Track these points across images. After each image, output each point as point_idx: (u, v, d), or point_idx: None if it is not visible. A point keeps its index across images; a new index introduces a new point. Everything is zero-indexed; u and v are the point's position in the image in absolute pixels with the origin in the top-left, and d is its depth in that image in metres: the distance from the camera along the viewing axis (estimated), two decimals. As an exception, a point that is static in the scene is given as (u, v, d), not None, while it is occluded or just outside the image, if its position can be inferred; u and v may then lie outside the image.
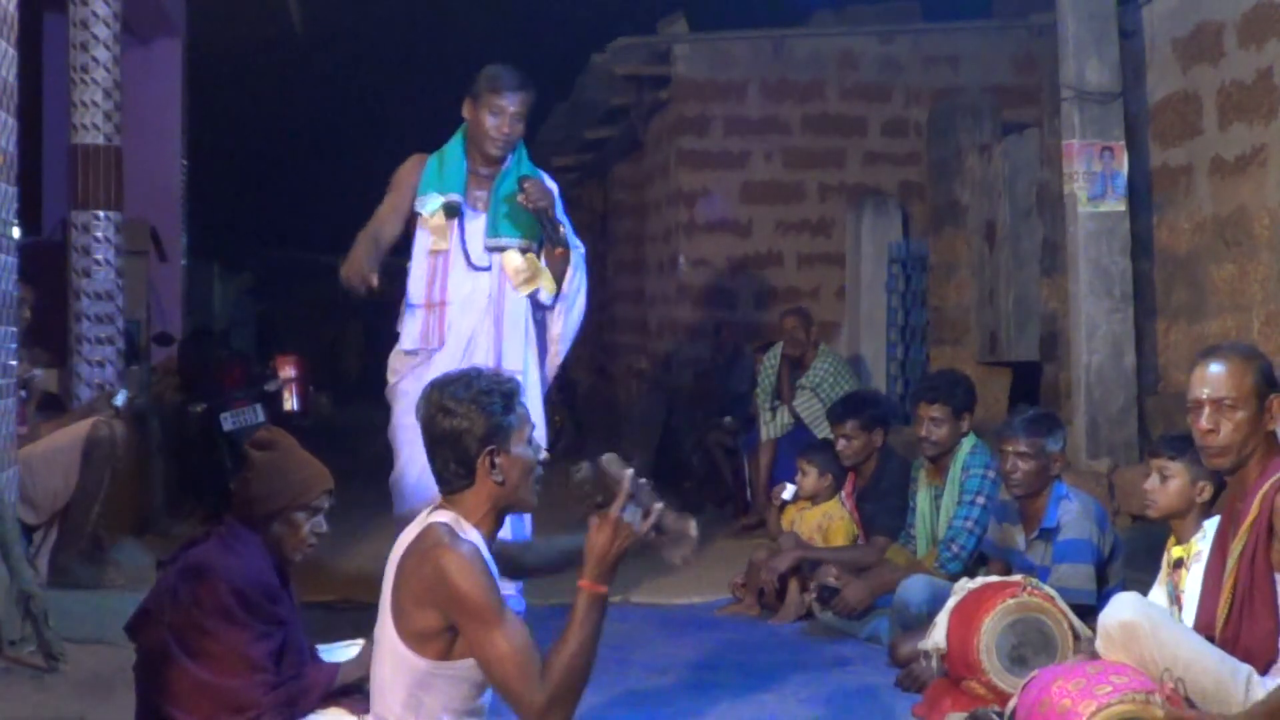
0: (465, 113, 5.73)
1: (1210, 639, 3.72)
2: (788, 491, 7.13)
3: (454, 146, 5.77)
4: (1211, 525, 4.31)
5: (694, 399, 11.15)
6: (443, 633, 3.13)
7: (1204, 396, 3.77)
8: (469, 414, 3.21)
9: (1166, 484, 4.55)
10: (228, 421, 9.09)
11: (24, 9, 5.42)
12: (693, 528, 3.27)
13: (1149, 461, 4.65)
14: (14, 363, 5.53)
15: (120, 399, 6.67)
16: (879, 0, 12.46)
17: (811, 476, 6.94)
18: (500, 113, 5.63)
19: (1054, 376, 8.04)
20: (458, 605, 3.08)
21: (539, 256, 5.76)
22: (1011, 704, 3.96)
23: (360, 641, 3.75)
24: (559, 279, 5.73)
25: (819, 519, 6.87)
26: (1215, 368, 3.79)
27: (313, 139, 18.33)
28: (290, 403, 9.80)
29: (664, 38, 12.07)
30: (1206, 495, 4.48)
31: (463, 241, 5.71)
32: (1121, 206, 7.28)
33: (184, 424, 9.49)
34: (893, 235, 10.92)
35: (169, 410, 9.55)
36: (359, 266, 5.53)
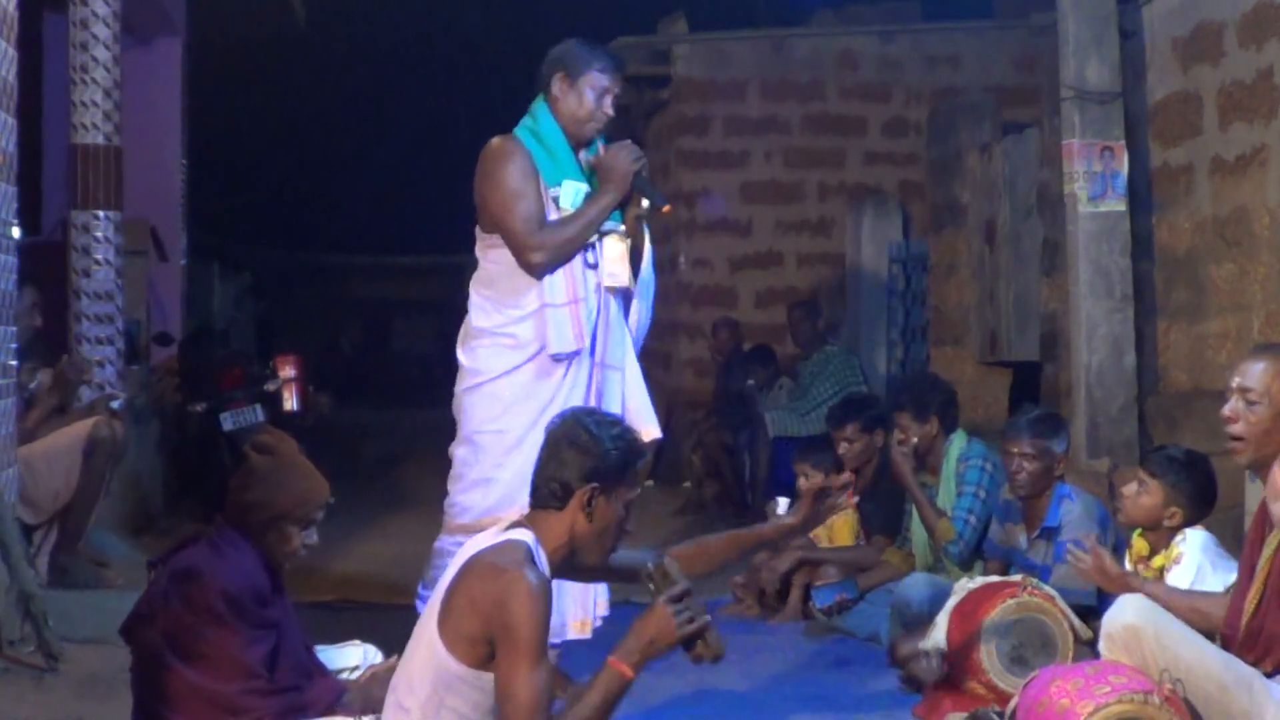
0: (556, 90, 5.09)
1: (1236, 628, 3.75)
2: (781, 507, 7.13)
3: (551, 130, 5.12)
4: (1193, 533, 4.35)
5: (694, 399, 11.14)
6: (483, 642, 3.16)
7: (1234, 384, 3.82)
8: (594, 446, 3.29)
9: (1140, 497, 4.58)
10: (228, 421, 9.08)
11: (24, 9, 5.42)
12: (723, 650, 3.29)
13: (1138, 467, 4.69)
14: (14, 363, 5.52)
15: (117, 405, 6.67)
16: (879, 0, 12.45)
17: (818, 480, 6.93)
18: (606, 93, 5.08)
19: (1054, 376, 8.04)
20: (507, 629, 3.11)
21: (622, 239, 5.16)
22: (1012, 704, 3.96)
23: (358, 643, 3.73)
24: (636, 260, 5.13)
25: (822, 517, 6.86)
26: (1254, 360, 3.84)
27: (314, 139, 18.32)
28: (290, 403, 9.74)
29: (664, 38, 12.06)
30: (1175, 521, 4.51)
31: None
32: (1121, 206, 7.27)
33: (184, 424, 9.48)
34: (893, 235, 10.90)
35: (169, 410, 9.55)
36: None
